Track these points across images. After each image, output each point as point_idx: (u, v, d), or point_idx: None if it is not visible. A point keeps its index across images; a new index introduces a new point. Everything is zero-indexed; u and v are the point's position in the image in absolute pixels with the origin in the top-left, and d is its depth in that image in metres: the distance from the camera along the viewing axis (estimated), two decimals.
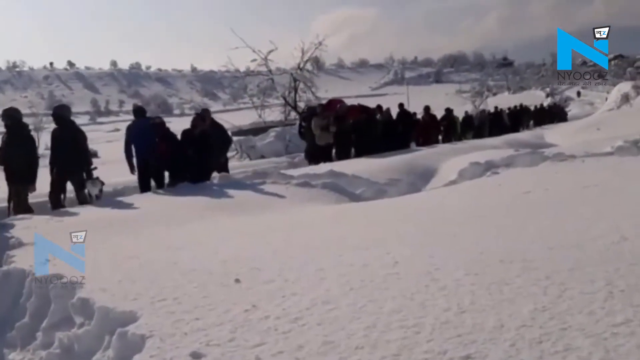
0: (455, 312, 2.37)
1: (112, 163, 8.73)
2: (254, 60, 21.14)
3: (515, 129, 24.21)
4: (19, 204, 7.31)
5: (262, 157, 18.07)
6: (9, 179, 7.41)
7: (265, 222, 5.64)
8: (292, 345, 2.24)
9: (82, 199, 7.76)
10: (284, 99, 21.11)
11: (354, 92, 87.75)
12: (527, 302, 2.39)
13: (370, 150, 12.90)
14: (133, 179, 9.23)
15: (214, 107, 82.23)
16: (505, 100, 49.10)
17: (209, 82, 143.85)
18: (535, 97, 60.63)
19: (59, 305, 3.34)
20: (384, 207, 6.36)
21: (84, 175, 7.79)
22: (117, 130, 63.18)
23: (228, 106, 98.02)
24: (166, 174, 8.96)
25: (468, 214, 4.82)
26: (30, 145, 7.64)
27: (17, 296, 3.89)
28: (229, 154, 19.65)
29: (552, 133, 22.87)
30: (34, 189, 7.41)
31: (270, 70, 21.64)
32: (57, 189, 7.66)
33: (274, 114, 22.66)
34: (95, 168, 7.97)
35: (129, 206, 6.95)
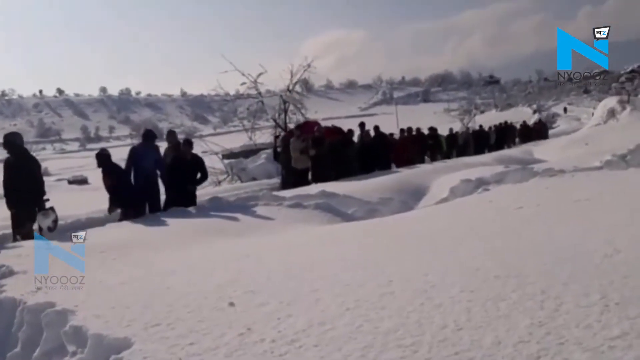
0: (452, 330, 2.36)
1: (102, 190, 8.64)
2: (244, 83, 21.21)
3: (500, 146, 24.35)
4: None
5: (254, 179, 18.06)
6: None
7: (258, 244, 5.61)
8: None
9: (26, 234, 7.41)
10: (274, 121, 21.14)
11: (344, 113, 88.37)
12: (524, 317, 2.39)
13: (347, 173, 12.51)
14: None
15: (204, 130, 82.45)
16: (492, 118, 49.55)
17: (198, 106, 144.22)
18: (522, 114, 61.18)
19: (51, 334, 3.29)
20: (377, 226, 6.35)
21: (36, 208, 7.42)
22: None
23: (218, 129, 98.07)
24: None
25: (461, 231, 4.82)
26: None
27: (8, 325, 3.83)
28: (221, 177, 19.73)
29: (540, 149, 23.04)
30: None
31: (259, 93, 21.69)
32: (22, 221, 7.44)
33: (264, 136, 22.67)
34: (48, 200, 7.62)
35: (121, 232, 6.90)
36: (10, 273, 4.88)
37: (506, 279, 2.94)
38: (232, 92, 23.34)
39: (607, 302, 2.45)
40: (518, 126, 30.39)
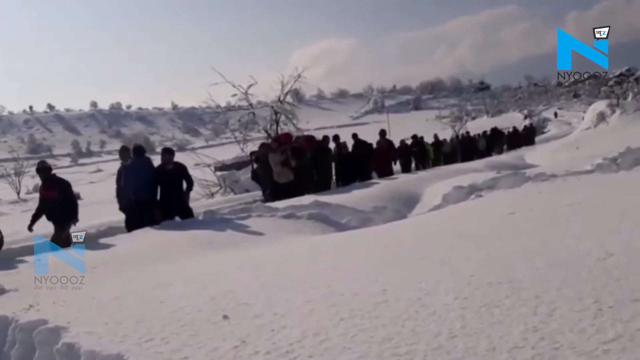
0: (446, 337, 2.35)
1: (95, 204, 8.63)
2: (235, 95, 21.23)
3: (488, 153, 24.39)
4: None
5: (247, 190, 18.01)
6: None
7: (252, 256, 5.59)
8: None
9: None
10: (266, 132, 21.16)
11: (335, 122, 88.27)
12: (518, 323, 2.39)
13: (326, 185, 12.12)
14: (116, 219, 9.15)
15: (196, 143, 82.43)
16: (484, 124, 49.85)
17: (190, 118, 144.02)
18: (513, 119, 61.65)
19: (44, 352, 3.26)
20: (371, 235, 6.35)
21: None
22: (100, 171, 62.76)
23: (210, 142, 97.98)
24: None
25: (455, 237, 4.82)
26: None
27: (0, 344, 3.80)
28: (214, 189, 19.69)
29: (532, 154, 23.17)
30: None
31: (251, 104, 21.73)
32: None
33: (256, 148, 22.69)
34: None
35: (113, 247, 6.87)
36: (2, 291, 4.85)
37: (499, 285, 2.94)
38: (223, 104, 23.38)
39: (601, 305, 2.45)
40: (506, 132, 30.49)
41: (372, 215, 8.99)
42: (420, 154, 18.41)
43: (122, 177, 8.87)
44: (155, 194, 8.98)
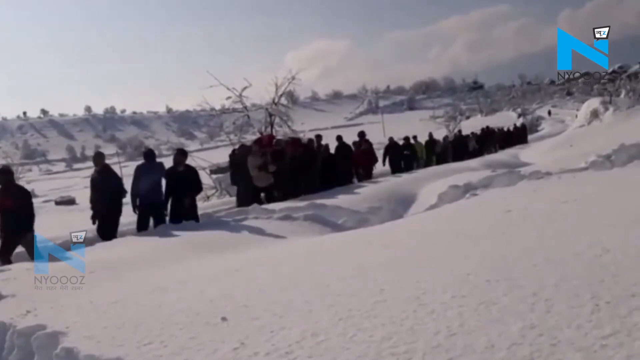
0: (445, 335, 2.36)
1: (90, 209, 8.60)
2: (229, 97, 21.19)
3: (480, 152, 24.36)
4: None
5: None
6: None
7: (250, 258, 5.60)
8: None
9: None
10: (261, 134, 21.13)
11: (330, 124, 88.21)
12: (516, 320, 2.40)
13: (311, 189, 11.74)
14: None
15: (191, 146, 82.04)
16: (478, 123, 49.84)
17: (184, 122, 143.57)
18: (507, 118, 61.70)
19: (43, 357, 3.25)
20: (367, 235, 6.36)
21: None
22: None
23: (205, 145, 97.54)
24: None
25: (451, 236, 4.84)
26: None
27: None
28: (210, 192, 19.65)
29: (526, 152, 23.23)
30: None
31: (245, 107, 21.69)
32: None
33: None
34: None
35: (111, 251, 6.85)
36: None
37: (497, 283, 2.95)
38: (217, 107, 23.30)
39: (598, 301, 2.46)
40: (496, 129, 30.50)
41: (368, 216, 9.02)
42: (411, 157, 18.20)
43: (135, 178, 8.96)
44: (167, 195, 9.10)
